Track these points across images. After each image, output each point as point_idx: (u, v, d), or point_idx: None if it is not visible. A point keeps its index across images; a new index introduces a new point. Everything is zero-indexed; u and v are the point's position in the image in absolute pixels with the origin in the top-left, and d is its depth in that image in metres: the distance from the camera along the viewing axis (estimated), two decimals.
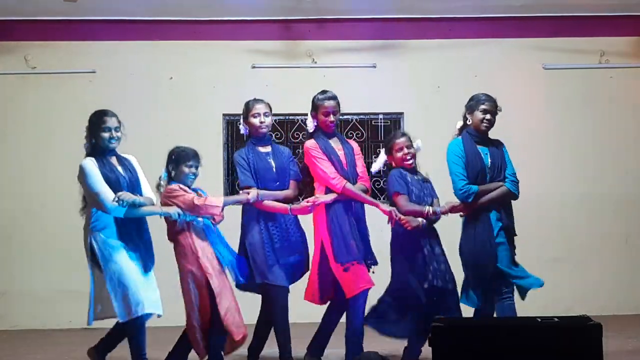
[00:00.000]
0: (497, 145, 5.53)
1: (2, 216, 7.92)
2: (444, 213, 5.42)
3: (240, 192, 5.49)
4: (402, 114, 8.12)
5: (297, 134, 8.12)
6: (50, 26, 7.97)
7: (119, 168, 5.20)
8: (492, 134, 5.58)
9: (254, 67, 8.06)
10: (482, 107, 5.42)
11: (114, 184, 5.07)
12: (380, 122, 8.18)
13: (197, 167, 5.38)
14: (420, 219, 5.33)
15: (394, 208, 5.39)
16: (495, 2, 7.83)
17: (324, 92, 5.60)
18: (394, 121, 8.17)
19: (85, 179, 5.07)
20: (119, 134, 5.22)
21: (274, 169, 5.49)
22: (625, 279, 8.01)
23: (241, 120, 5.66)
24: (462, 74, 8.01)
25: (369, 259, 5.47)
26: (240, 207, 5.63)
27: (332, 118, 5.50)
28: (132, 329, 5.09)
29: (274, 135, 8.08)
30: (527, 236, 7.71)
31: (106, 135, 5.16)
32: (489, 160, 5.43)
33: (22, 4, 7.58)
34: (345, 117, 8.05)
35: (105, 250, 5.05)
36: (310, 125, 5.61)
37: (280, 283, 5.37)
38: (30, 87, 7.98)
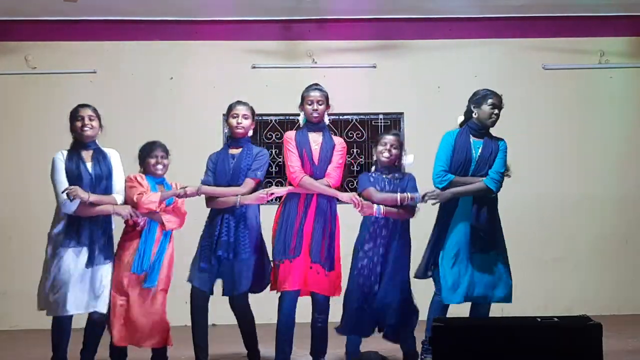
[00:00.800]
0: (494, 141, 5.58)
1: (2, 216, 7.92)
2: (418, 198, 5.43)
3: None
4: (402, 114, 8.12)
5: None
6: (50, 26, 7.97)
7: (89, 163, 5.26)
8: (494, 132, 5.64)
9: (254, 67, 8.06)
10: (490, 101, 5.53)
11: (75, 180, 5.15)
12: (380, 122, 8.18)
13: (163, 157, 5.48)
14: (375, 207, 5.38)
15: (355, 194, 5.47)
16: (495, 2, 7.83)
17: (310, 85, 5.68)
18: (394, 121, 8.17)
19: (51, 173, 5.26)
20: (93, 122, 5.30)
21: (230, 172, 5.50)
22: (625, 279, 8.00)
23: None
24: (462, 74, 8.00)
25: (320, 262, 5.38)
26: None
27: (315, 106, 5.52)
28: (53, 326, 5.23)
29: (274, 135, 8.09)
30: (528, 236, 7.76)
31: (78, 124, 5.28)
32: (478, 153, 5.50)
33: (22, 4, 7.58)
34: (345, 117, 8.06)
35: (53, 244, 5.18)
36: (301, 119, 5.65)
37: (197, 285, 5.42)
38: (31, 87, 7.98)
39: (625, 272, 8.02)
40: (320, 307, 5.48)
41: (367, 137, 8.16)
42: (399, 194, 5.41)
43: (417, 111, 8.05)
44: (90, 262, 5.15)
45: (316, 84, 5.68)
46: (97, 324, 5.30)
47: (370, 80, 8.09)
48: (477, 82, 7.61)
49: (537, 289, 7.76)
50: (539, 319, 4.30)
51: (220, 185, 5.48)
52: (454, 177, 5.45)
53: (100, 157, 5.30)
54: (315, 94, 5.56)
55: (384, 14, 8.05)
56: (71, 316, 5.21)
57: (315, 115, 5.53)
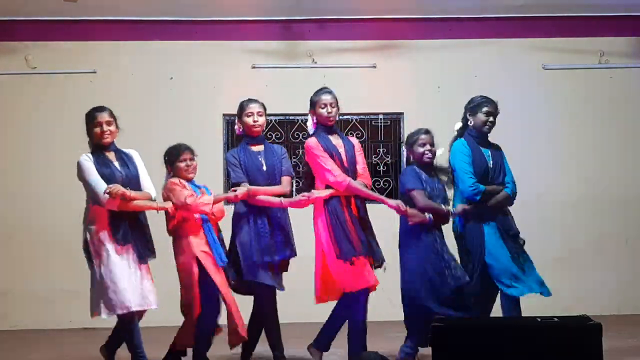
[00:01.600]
0: (496, 148, 5.65)
1: (2, 216, 7.92)
2: (458, 214, 5.45)
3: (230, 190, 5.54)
4: (402, 114, 8.12)
5: (297, 134, 8.13)
6: (50, 26, 7.97)
7: (116, 163, 5.26)
8: (493, 133, 5.66)
9: (254, 67, 8.06)
10: (485, 109, 5.55)
11: (109, 179, 5.13)
12: (380, 122, 8.18)
13: (192, 159, 5.46)
14: (427, 215, 5.35)
15: (400, 201, 5.41)
16: (495, 2, 7.83)
17: (320, 89, 5.66)
18: (394, 121, 8.17)
19: (81, 174, 5.19)
20: (111, 127, 5.28)
21: (265, 168, 5.53)
22: (625, 279, 8.00)
23: (236, 120, 5.71)
24: (462, 74, 8.01)
25: (375, 257, 5.42)
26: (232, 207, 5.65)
27: (329, 109, 5.51)
28: (122, 326, 5.17)
29: (274, 135, 8.10)
30: (528, 236, 7.68)
31: (97, 130, 5.25)
32: (491, 161, 5.55)
33: (22, 4, 7.58)
34: (345, 117, 8.05)
35: (96, 244, 5.11)
36: (310, 124, 5.63)
37: (267, 282, 5.42)
38: (31, 87, 7.97)
39: (625, 272, 8.03)
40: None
41: (367, 137, 8.17)
42: (444, 206, 5.40)
43: (417, 111, 8.04)
44: (139, 259, 5.17)
45: (325, 88, 5.66)
46: (125, 324, 5.23)
47: (370, 80, 8.09)
48: (477, 82, 7.70)
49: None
50: (539, 319, 4.31)
51: (256, 182, 5.48)
52: (484, 187, 5.45)
53: (124, 157, 5.32)
54: (327, 98, 5.55)
55: (384, 14, 8.04)
56: (134, 313, 5.14)
57: (331, 118, 5.53)
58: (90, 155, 5.24)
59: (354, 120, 8.14)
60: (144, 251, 5.21)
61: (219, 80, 8.02)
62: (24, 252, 7.86)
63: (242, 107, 5.61)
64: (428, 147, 5.49)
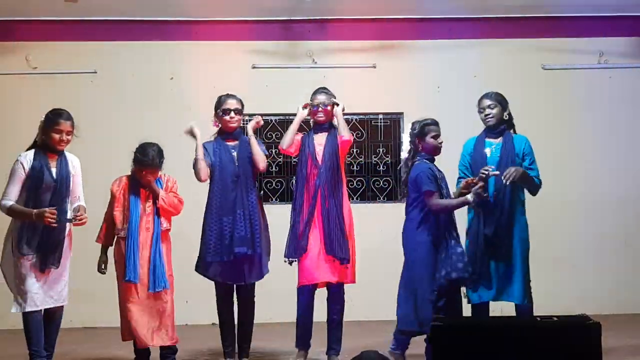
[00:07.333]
0: (510, 139, 5.75)
1: (2, 216, 7.90)
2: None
3: None
4: (402, 114, 8.13)
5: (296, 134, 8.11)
6: (51, 26, 7.97)
7: (53, 170, 5.31)
8: None
9: (254, 67, 8.07)
10: (480, 106, 5.73)
11: (36, 185, 5.25)
12: (380, 122, 8.19)
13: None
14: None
15: None
16: (495, 2, 7.84)
17: (317, 88, 5.82)
18: (394, 121, 8.18)
19: (10, 174, 5.34)
20: (69, 137, 5.36)
21: (236, 161, 5.61)
22: (624, 279, 8.01)
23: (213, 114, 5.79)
24: (462, 74, 8.02)
25: (339, 255, 5.44)
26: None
27: (320, 108, 5.68)
28: (24, 323, 5.35)
29: (274, 135, 8.10)
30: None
31: (57, 137, 5.32)
32: (498, 154, 5.66)
33: (23, 4, 7.59)
34: (345, 117, 8.03)
35: (12, 244, 5.27)
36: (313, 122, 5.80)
37: (217, 279, 5.49)
38: (31, 87, 7.98)
39: (624, 272, 8.03)
40: (334, 297, 5.56)
41: (367, 137, 8.17)
42: (470, 196, 5.38)
43: (417, 111, 7.98)
44: (43, 266, 5.24)
45: (321, 87, 5.86)
46: (55, 318, 5.41)
47: (370, 80, 8.10)
48: (476, 82, 7.70)
49: (537, 289, 7.73)
50: (538, 319, 4.31)
51: (226, 178, 5.55)
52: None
53: (63, 164, 5.36)
54: (318, 97, 5.75)
55: (384, 14, 8.05)
56: (41, 312, 5.32)
57: (319, 114, 5.75)
58: (31, 156, 5.31)
59: (354, 120, 8.14)
60: (50, 258, 5.25)
61: (219, 80, 8.01)
62: None
63: (220, 102, 5.64)
64: (440, 139, 5.55)
